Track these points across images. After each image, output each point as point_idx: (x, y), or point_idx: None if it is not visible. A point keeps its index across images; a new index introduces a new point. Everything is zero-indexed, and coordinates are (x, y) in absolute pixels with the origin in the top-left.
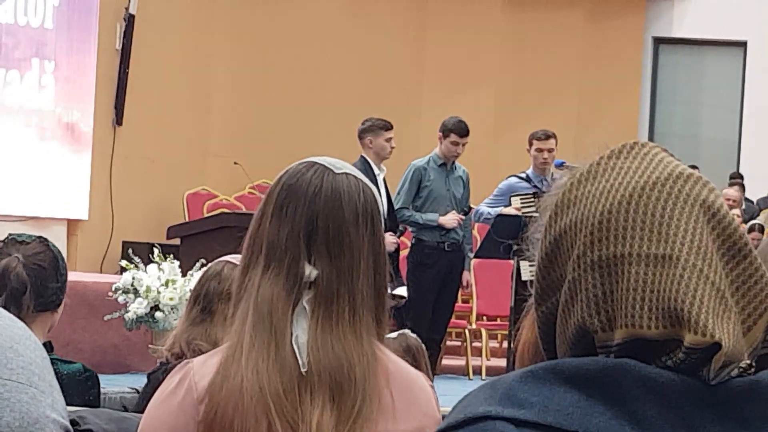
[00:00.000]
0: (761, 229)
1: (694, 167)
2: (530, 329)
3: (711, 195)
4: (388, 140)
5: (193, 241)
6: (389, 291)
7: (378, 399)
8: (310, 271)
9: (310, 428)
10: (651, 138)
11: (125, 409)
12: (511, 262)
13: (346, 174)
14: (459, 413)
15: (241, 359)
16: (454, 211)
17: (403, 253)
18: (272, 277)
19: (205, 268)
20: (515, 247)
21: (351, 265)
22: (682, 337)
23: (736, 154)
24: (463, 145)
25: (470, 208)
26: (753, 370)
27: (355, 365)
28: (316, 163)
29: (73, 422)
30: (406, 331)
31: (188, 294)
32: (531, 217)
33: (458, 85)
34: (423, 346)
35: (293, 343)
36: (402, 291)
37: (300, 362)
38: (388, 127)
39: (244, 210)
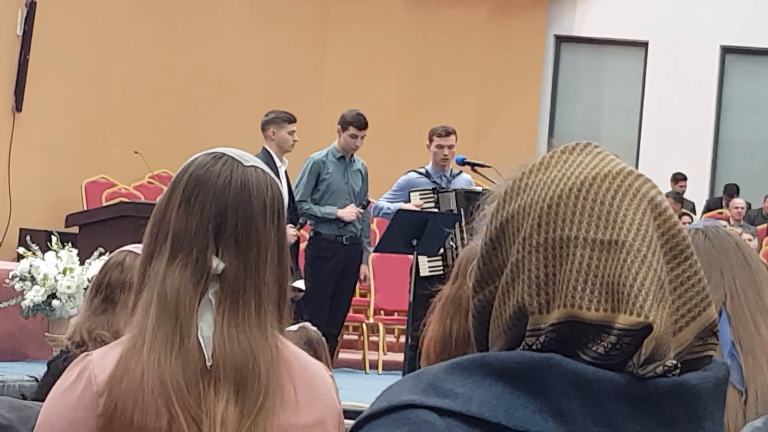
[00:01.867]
0: None
1: None
2: (436, 325)
3: (658, 195)
4: (291, 133)
5: (91, 229)
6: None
7: (281, 392)
8: (217, 264)
9: (213, 423)
10: (551, 136)
11: (24, 397)
12: (410, 257)
13: (255, 167)
14: (383, 402)
15: (142, 352)
16: (352, 205)
17: (302, 246)
18: (178, 268)
19: (107, 258)
20: (415, 242)
21: (258, 258)
22: (616, 322)
23: (635, 154)
24: (362, 138)
25: (369, 202)
26: (678, 371)
27: (259, 359)
28: (224, 154)
29: None
30: (307, 324)
31: (86, 282)
32: (430, 212)
33: (360, 79)
34: (323, 339)
35: (199, 336)
36: (300, 284)
37: (206, 356)
38: (291, 119)
39: (143, 199)
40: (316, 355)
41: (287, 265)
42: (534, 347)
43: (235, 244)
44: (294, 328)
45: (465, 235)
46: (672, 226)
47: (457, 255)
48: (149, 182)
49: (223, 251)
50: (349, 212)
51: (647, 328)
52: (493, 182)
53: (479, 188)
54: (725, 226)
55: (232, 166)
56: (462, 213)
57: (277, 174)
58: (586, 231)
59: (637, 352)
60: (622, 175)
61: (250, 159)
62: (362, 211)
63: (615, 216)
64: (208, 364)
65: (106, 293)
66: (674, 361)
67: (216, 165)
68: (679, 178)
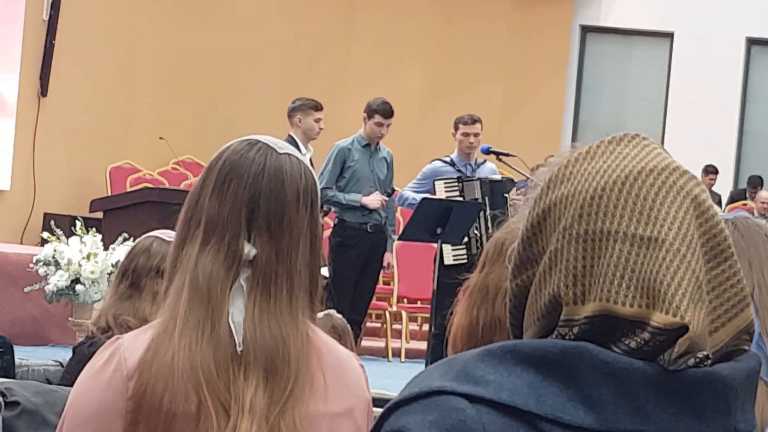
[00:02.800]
0: None
1: None
2: (463, 314)
3: (703, 194)
4: (318, 121)
5: (115, 214)
6: None
7: (310, 380)
8: (249, 250)
9: (242, 408)
10: (575, 127)
11: (49, 382)
12: (434, 245)
13: (289, 155)
14: (414, 387)
15: (173, 335)
16: (377, 192)
17: (326, 233)
18: (211, 253)
19: (133, 243)
20: (439, 231)
21: (290, 245)
22: (651, 319)
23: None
24: (388, 126)
25: (393, 190)
26: (710, 362)
27: (290, 346)
28: (259, 141)
29: (0, 393)
30: (332, 311)
31: (110, 268)
32: (455, 200)
33: (385, 67)
34: (348, 326)
35: (230, 321)
36: (324, 271)
37: (236, 341)
38: (318, 107)
39: (167, 185)
40: (341, 342)
41: (319, 254)
42: (567, 337)
43: (268, 231)
44: (319, 315)
45: (489, 224)
46: (714, 226)
47: (481, 244)
48: (173, 168)
49: (256, 238)
50: (373, 200)
51: (682, 328)
52: (518, 171)
53: (504, 177)
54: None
55: (267, 153)
56: (486, 202)
57: None
58: (626, 226)
59: (670, 348)
60: (667, 172)
61: (285, 146)
62: (387, 199)
63: (656, 213)
64: (239, 349)
65: (132, 279)
66: (706, 353)
67: (250, 152)
68: (710, 171)
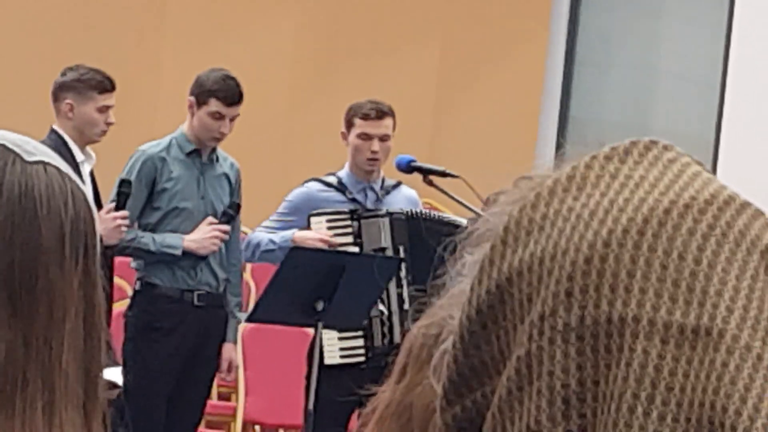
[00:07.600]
0: None
1: None
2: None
3: None
4: (104, 110)
5: None
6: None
7: None
8: None
9: None
10: (562, 123)
11: None
12: (309, 331)
13: (45, 164)
14: None
15: None
16: (209, 219)
17: (119, 307)
18: None
19: None
20: (320, 306)
21: (49, 326)
22: None
23: (712, 153)
24: (232, 119)
25: (239, 206)
26: None
27: None
28: None
29: None
30: None
31: None
32: (346, 252)
33: (229, 23)
34: None
35: None
36: (114, 375)
37: None
38: (104, 86)
39: None
40: None
41: (100, 338)
42: None
43: (9, 303)
44: None
45: (407, 294)
46: None
47: (391, 329)
48: None
49: None
50: (204, 238)
51: None
52: (462, 204)
53: (433, 213)
54: None
55: (5, 161)
56: (403, 253)
57: (79, 176)
58: (654, 308)
59: None
60: (715, 207)
61: (37, 149)
62: (228, 229)
63: (705, 282)
64: None
65: None
66: None
67: None
68: None
